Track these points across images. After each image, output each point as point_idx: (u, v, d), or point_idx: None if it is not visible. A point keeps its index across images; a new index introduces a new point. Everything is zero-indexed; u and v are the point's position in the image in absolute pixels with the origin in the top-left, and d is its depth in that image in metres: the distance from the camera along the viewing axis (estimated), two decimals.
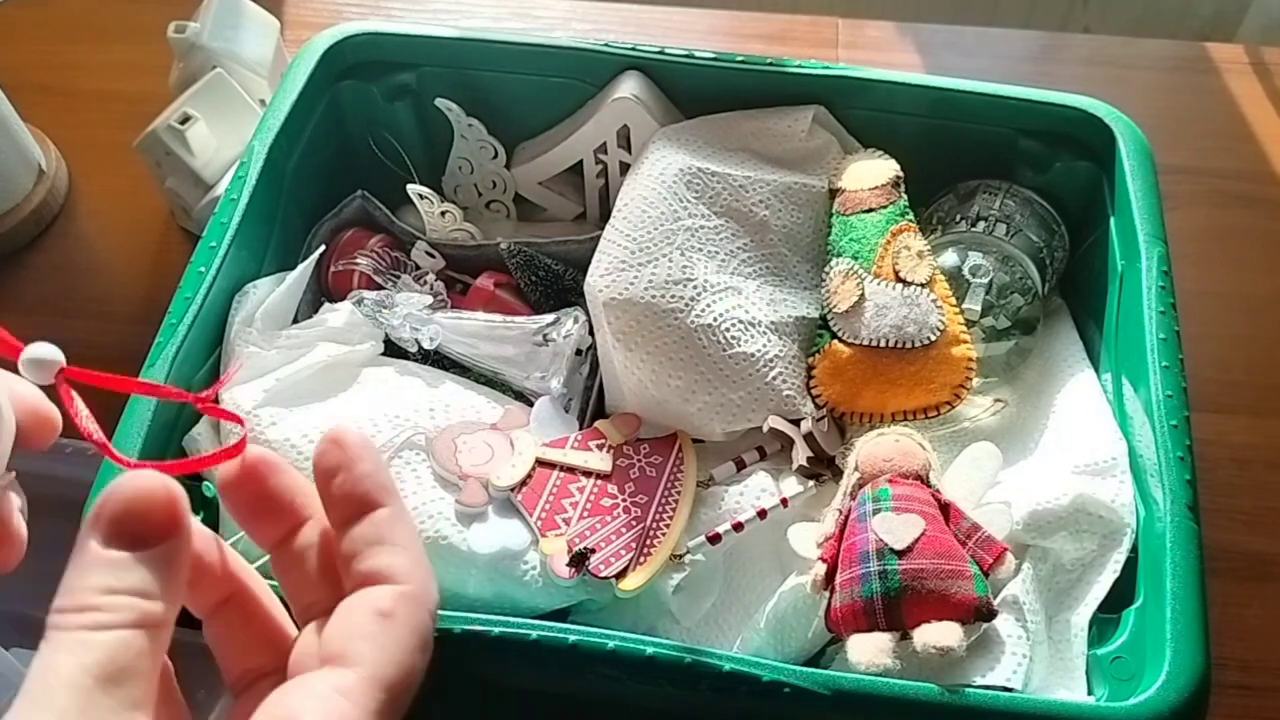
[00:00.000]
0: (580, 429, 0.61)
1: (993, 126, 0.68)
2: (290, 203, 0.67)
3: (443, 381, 0.62)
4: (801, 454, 0.59)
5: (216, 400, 0.39)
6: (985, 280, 0.63)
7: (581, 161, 0.72)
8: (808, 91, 0.69)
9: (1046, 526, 0.55)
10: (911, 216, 0.65)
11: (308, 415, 0.57)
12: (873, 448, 0.57)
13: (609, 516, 0.56)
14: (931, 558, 0.51)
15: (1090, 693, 0.51)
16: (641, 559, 0.55)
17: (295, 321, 0.64)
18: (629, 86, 0.68)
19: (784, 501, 0.58)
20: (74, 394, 0.31)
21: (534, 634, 0.48)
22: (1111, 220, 0.65)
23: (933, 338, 0.60)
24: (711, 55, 0.69)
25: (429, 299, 0.64)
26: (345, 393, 0.60)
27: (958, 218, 0.67)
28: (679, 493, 0.58)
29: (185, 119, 0.77)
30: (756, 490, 0.59)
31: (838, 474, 0.59)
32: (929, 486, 0.55)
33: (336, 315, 0.62)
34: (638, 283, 0.60)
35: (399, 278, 0.68)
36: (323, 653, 0.30)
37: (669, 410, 0.61)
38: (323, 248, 0.68)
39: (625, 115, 0.68)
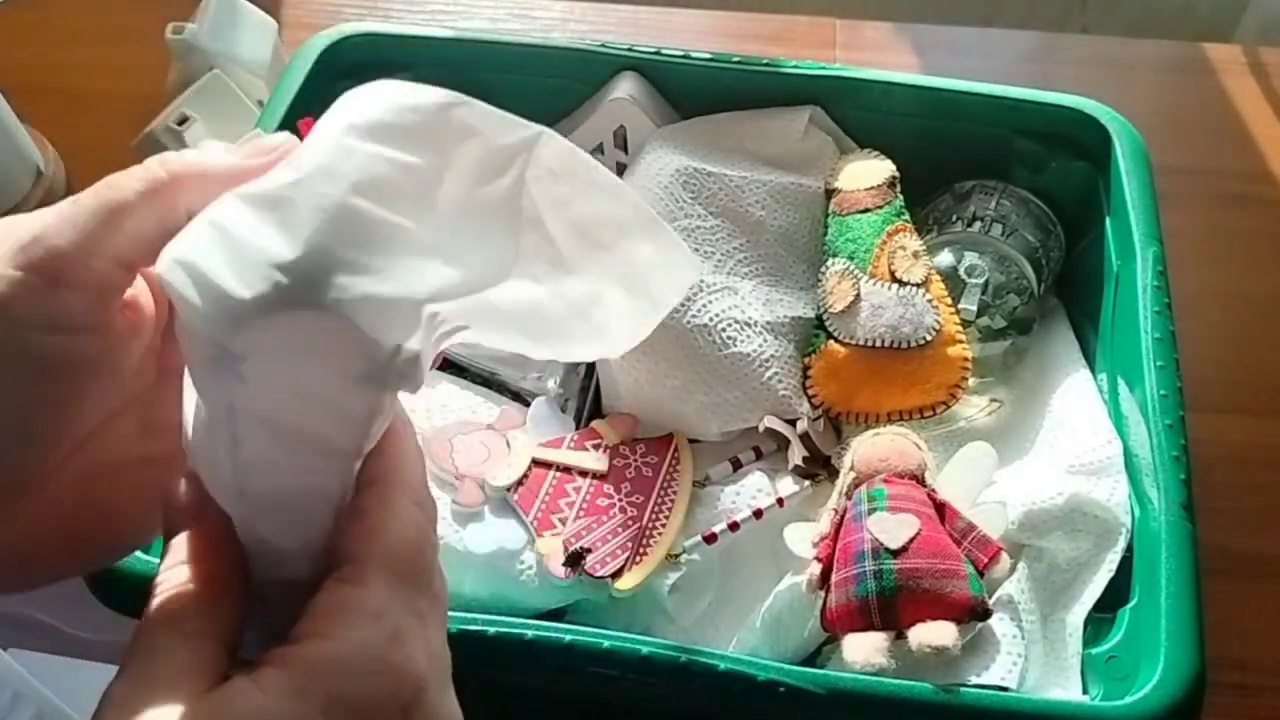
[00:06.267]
0: (576, 429, 0.61)
1: (989, 127, 0.68)
2: None
3: (439, 382, 0.62)
4: (797, 454, 0.59)
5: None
6: (981, 280, 0.63)
7: None
8: (804, 92, 0.69)
9: (1042, 526, 0.55)
10: (907, 217, 0.65)
11: None
12: (868, 447, 0.57)
13: (605, 516, 0.56)
14: (927, 557, 0.51)
15: (1085, 692, 0.51)
16: (637, 559, 0.55)
17: None
18: (625, 87, 0.68)
19: (780, 501, 0.58)
20: None
21: (530, 634, 0.48)
22: (1107, 220, 0.65)
23: (928, 338, 0.60)
24: (708, 56, 0.69)
25: None
26: None
27: (954, 218, 0.67)
28: (675, 492, 0.58)
29: (183, 120, 0.77)
30: (752, 490, 0.59)
31: (833, 474, 0.59)
32: (924, 486, 0.55)
33: None
34: None
35: None
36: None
37: (665, 410, 0.61)
38: None
39: (622, 116, 0.68)
